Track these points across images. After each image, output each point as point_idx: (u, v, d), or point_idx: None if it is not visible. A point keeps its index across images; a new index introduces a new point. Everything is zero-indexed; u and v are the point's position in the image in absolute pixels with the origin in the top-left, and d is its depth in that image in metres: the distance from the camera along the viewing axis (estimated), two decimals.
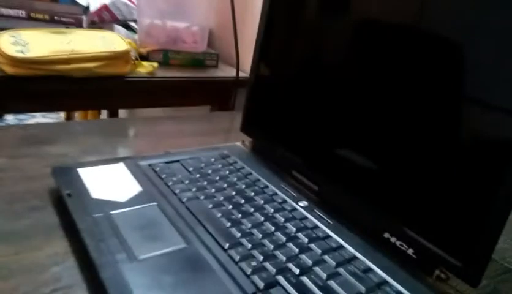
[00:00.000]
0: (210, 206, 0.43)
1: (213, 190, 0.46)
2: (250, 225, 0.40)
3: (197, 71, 0.97)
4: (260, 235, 0.39)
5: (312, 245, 0.39)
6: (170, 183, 0.46)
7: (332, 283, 0.35)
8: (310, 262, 0.36)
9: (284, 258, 0.36)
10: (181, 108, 1.20)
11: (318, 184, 0.48)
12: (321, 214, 0.45)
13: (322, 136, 0.48)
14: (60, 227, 0.39)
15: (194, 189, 0.46)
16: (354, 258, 0.38)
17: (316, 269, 0.36)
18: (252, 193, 0.46)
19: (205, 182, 0.47)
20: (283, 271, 0.35)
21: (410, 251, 0.39)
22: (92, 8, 1.04)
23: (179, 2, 0.99)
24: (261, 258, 0.36)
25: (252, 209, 0.43)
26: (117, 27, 1.04)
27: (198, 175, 0.49)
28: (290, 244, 0.38)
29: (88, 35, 0.82)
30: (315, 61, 0.50)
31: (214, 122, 0.80)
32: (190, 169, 0.50)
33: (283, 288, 0.33)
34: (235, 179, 0.49)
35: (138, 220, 0.39)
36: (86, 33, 0.83)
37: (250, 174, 0.51)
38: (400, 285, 0.36)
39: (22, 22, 0.88)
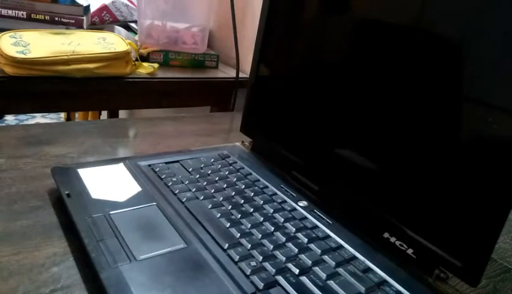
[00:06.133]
0: (210, 206, 0.43)
1: (213, 190, 0.46)
2: (249, 225, 0.40)
3: (197, 72, 0.97)
4: (260, 235, 0.39)
5: (312, 245, 0.39)
6: (170, 183, 0.46)
7: (331, 283, 0.35)
8: (309, 262, 0.36)
9: (284, 258, 0.36)
10: (181, 108, 1.20)
11: (318, 183, 0.48)
12: (320, 214, 0.45)
13: (322, 136, 0.48)
14: (60, 227, 0.39)
15: (194, 189, 0.46)
16: (354, 258, 0.38)
17: (316, 269, 0.36)
18: (252, 194, 0.46)
19: (205, 183, 0.47)
20: (282, 271, 0.35)
21: (410, 251, 0.39)
22: (93, 9, 1.04)
23: (179, 3, 0.99)
24: (261, 258, 0.36)
25: (252, 209, 0.43)
26: (118, 28, 1.04)
27: (197, 175, 0.49)
28: (290, 244, 0.38)
29: (88, 36, 0.82)
30: (315, 62, 0.50)
31: (214, 123, 0.80)
32: (190, 169, 0.51)
33: (283, 288, 0.33)
34: (235, 179, 0.49)
35: (138, 220, 0.39)
36: (87, 34, 0.83)
37: (250, 174, 0.51)
38: (400, 284, 0.36)
39: (22, 23, 0.88)
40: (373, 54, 0.42)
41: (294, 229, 0.41)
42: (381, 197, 0.42)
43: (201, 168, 0.51)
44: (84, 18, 0.94)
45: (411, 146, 0.39)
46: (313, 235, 0.41)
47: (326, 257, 0.38)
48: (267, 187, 0.49)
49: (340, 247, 0.40)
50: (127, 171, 0.48)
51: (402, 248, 0.39)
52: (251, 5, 1.03)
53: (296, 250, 0.38)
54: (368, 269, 0.37)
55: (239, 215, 0.42)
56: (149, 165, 0.50)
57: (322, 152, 0.48)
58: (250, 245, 0.37)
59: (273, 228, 0.40)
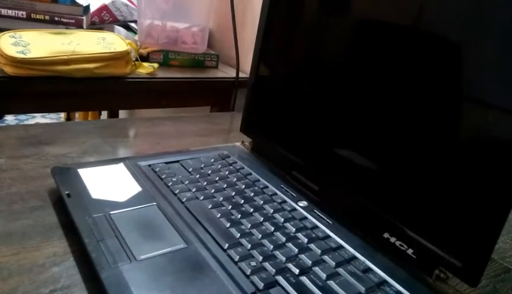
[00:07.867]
0: (210, 206, 0.43)
1: (213, 190, 0.46)
2: (249, 225, 0.40)
3: (197, 72, 0.97)
4: (260, 235, 0.39)
5: (312, 246, 0.39)
6: (170, 183, 0.46)
7: (331, 283, 0.35)
8: (309, 262, 0.36)
9: (284, 258, 0.36)
10: (181, 108, 1.20)
11: (318, 184, 0.48)
12: (320, 214, 0.45)
13: (322, 136, 0.48)
14: (60, 227, 0.39)
15: (194, 189, 0.46)
16: (354, 258, 0.38)
17: (316, 269, 0.36)
18: (252, 194, 0.46)
19: (205, 183, 0.47)
20: (282, 271, 0.35)
21: (410, 251, 0.39)
22: (92, 9, 1.04)
23: (179, 2, 0.99)
24: (261, 258, 0.36)
25: (252, 209, 0.43)
26: (117, 27, 1.04)
27: (197, 175, 0.49)
28: (290, 244, 0.38)
29: (88, 36, 0.82)
30: (315, 62, 0.50)
31: (214, 123, 0.80)
32: (190, 169, 0.51)
33: (283, 288, 0.33)
34: (235, 179, 0.49)
35: (138, 221, 0.39)
36: (87, 34, 0.83)
37: (250, 174, 0.51)
38: (400, 285, 0.36)
39: (22, 23, 0.88)
40: (373, 54, 0.42)
41: (294, 229, 0.41)
42: (381, 197, 0.42)
43: (201, 168, 0.51)
44: (84, 17, 0.94)
45: (411, 146, 0.39)
46: (313, 235, 0.41)
47: (326, 257, 0.38)
48: (267, 187, 0.49)
49: (340, 247, 0.40)
50: (127, 171, 0.48)
51: (402, 248, 0.39)
52: (251, 5, 1.03)
53: (296, 250, 0.38)
54: (368, 269, 0.37)
55: (239, 215, 0.42)
56: (149, 165, 0.50)
57: (322, 152, 0.48)
58: (250, 245, 0.37)
59: (273, 228, 0.40)
